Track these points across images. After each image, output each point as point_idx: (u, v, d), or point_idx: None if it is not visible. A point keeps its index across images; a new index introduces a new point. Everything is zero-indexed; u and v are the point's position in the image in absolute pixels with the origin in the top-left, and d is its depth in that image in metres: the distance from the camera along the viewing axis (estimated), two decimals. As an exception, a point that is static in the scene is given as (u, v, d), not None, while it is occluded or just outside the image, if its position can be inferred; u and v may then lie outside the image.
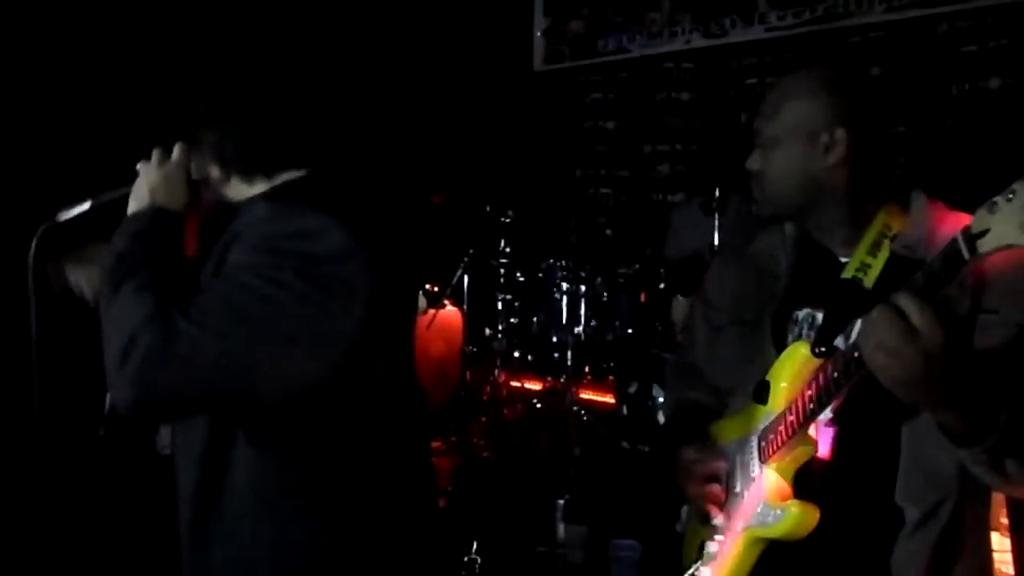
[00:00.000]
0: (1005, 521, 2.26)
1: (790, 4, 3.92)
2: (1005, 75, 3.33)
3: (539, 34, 4.84)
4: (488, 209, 4.02)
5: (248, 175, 1.13)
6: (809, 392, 1.16)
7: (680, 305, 3.48)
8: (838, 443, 1.22)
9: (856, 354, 1.05)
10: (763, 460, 1.25)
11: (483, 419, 3.95)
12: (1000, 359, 1.09)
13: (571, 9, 4.71)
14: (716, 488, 1.32)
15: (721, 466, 1.32)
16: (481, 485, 3.41)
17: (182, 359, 0.95)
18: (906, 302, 0.97)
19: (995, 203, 0.93)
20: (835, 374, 1.11)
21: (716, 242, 3.37)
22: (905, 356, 0.97)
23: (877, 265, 1.25)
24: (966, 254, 0.96)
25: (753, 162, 1.33)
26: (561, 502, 2.88)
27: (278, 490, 1.06)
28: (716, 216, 3.35)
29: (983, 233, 0.94)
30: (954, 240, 0.97)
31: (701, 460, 1.34)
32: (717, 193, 3.35)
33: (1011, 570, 2.28)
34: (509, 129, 4.69)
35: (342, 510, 1.08)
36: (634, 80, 4.51)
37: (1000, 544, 2.28)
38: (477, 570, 2.67)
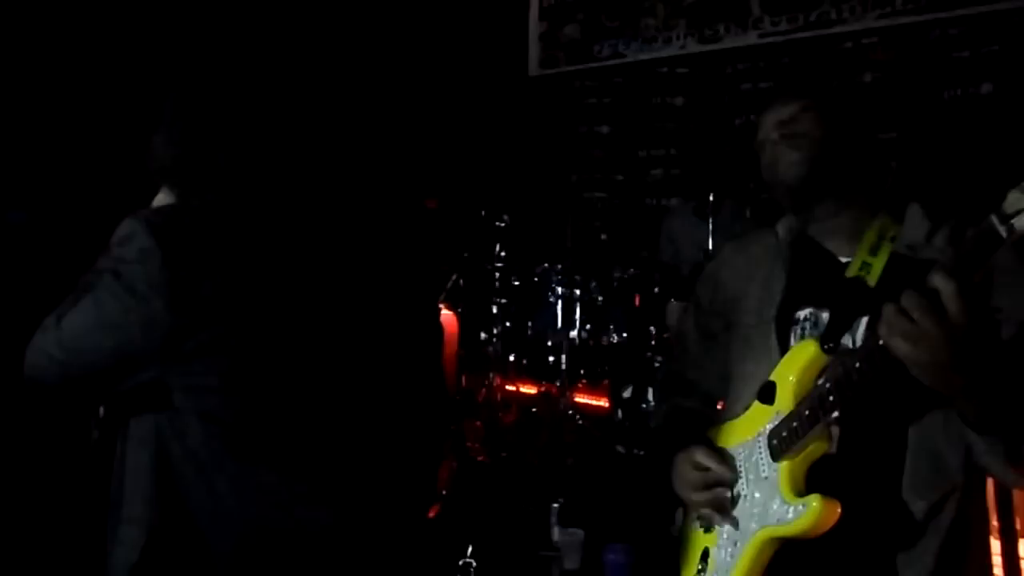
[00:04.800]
0: (996, 524, 2.28)
1: (784, 10, 3.94)
2: (996, 81, 3.35)
3: (534, 39, 4.85)
4: (483, 213, 4.02)
5: (162, 183, 1.33)
6: (826, 387, 1.16)
7: (675, 309, 3.48)
8: (844, 438, 1.23)
9: (881, 342, 1.03)
10: (776, 459, 1.24)
11: (478, 423, 3.94)
12: (1008, 355, 1.09)
13: (566, 14, 4.72)
14: (722, 493, 1.31)
15: (726, 471, 1.31)
16: (476, 489, 3.40)
17: (34, 346, 1.20)
18: (940, 280, 0.96)
19: None
20: (857, 364, 1.10)
21: (711, 246, 3.37)
22: (933, 341, 0.96)
23: (879, 265, 1.25)
24: (1003, 232, 0.94)
25: (768, 155, 1.32)
26: (556, 506, 2.87)
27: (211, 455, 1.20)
28: (710, 220, 3.36)
29: (1018, 212, 0.93)
30: (988, 219, 0.95)
31: (704, 466, 1.33)
32: (711, 197, 3.36)
33: (1002, 572, 2.31)
34: (504, 133, 4.70)
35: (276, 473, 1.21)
36: (629, 85, 4.52)
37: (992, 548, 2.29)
38: (472, 574, 2.65)
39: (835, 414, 1.18)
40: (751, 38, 4.07)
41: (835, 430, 1.22)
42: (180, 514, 1.20)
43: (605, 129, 4.63)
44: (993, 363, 0.99)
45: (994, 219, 0.94)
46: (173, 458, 1.20)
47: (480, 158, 4.56)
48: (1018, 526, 2.51)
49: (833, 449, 1.23)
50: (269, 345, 1.20)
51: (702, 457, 1.33)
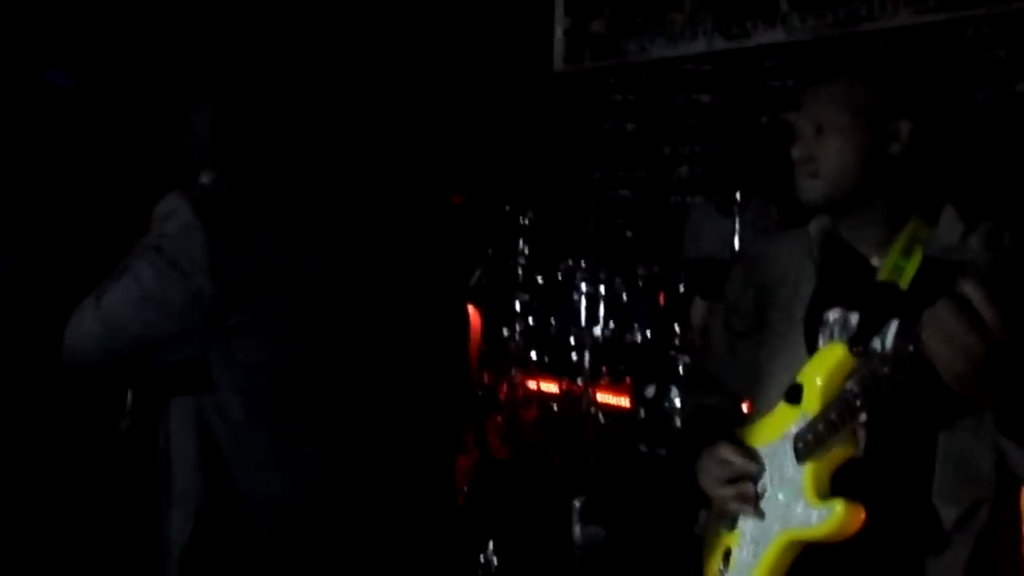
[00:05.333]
0: None
1: (813, 7, 3.90)
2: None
3: (560, 34, 4.84)
4: (507, 209, 4.02)
5: (201, 166, 1.35)
6: (853, 390, 1.15)
7: (699, 307, 3.46)
8: (871, 442, 1.21)
9: (912, 348, 1.02)
10: (801, 461, 1.23)
11: (499, 419, 3.95)
12: None
13: (592, 10, 4.70)
14: (748, 488, 1.30)
15: (753, 466, 1.30)
16: (497, 485, 3.40)
17: (73, 328, 1.19)
18: (973, 290, 0.94)
19: None
20: (886, 370, 1.08)
21: (736, 245, 3.35)
22: (970, 349, 0.94)
23: (911, 268, 1.24)
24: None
25: (803, 146, 1.30)
26: (577, 504, 2.87)
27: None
28: (736, 218, 3.33)
29: None
30: (972, 249, 0.95)
31: (731, 461, 1.32)
32: (737, 196, 3.34)
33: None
34: (529, 129, 4.69)
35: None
36: (654, 82, 4.50)
37: None
38: (493, 570, 2.66)
39: (862, 418, 1.17)
40: (779, 35, 4.03)
41: (862, 433, 1.21)
42: (228, 492, 1.21)
43: (630, 126, 4.61)
44: (1014, 373, 0.98)
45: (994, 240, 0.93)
46: (217, 435, 1.21)
47: (505, 154, 4.56)
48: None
49: (860, 453, 1.22)
50: (307, 321, 1.21)
51: (727, 452, 1.33)
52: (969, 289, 0.94)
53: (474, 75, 4.58)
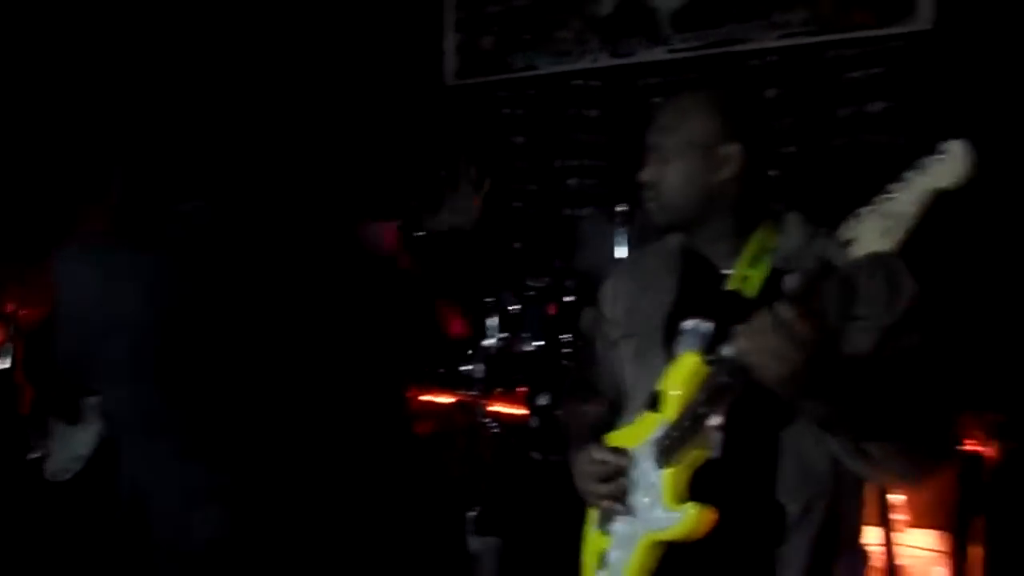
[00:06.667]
0: (879, 518, 2.46)
1: (692, 27, 4.08)
2: (887, 100, 3.55)
3: (450, 49, 4.88)
4: (400, 223, 4.01)
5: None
6: (703, 397, 1.23)
7: (588, 316, 3.55)
8: (727, 445, 1.29)
9: (739, 357, 1.12)
10: (660, 466, 1.30)
11: (395, 433, 3.93)
12: (869, 359, 1.18)
13: (482, 26, 4.77)
14: (621, 484, 1.36)
15: (625, 462, 1.36)
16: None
17: None
18: (783, 309, 1.05)
19: (860, 213, 1.03)
20: (722, 379, 1.18)
21: (624, 255, 3.45)
22: (782, 356, 1.05)
23: (758, 276, 1.33)
24: (837, 261, 1.04)
25: (648, 174, 1.39)
26: (472, 514, 2.89)
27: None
28: (623, 230, 3.45)
29: (851, 242, 1.02)
30: (811, 257, 1.06)
31: (603, 460, 1.38)
32: (624, 207, 3.45)
33: (883, 561, 2.49)
34: (420, 142, 4.70)
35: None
36: (544, 96, 4.60)
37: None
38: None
39: (713, 422, 1.25)
40: (661, 53, 4.20)
41: (716, 437, 1.29)
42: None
43: (520, 140, 4.69)
44: (837, 373, 1.09)
45: (830, 247, 1.04)
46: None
47: (395, 167, 4.56)
48: (902, 518, 2.68)
49: (716, 455, 1.29)
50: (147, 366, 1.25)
51: (600, 452, 1.39)
52: (781, 308, 1.05)
53: (364, 90, 4.56)
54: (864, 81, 3.61)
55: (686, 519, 1.24)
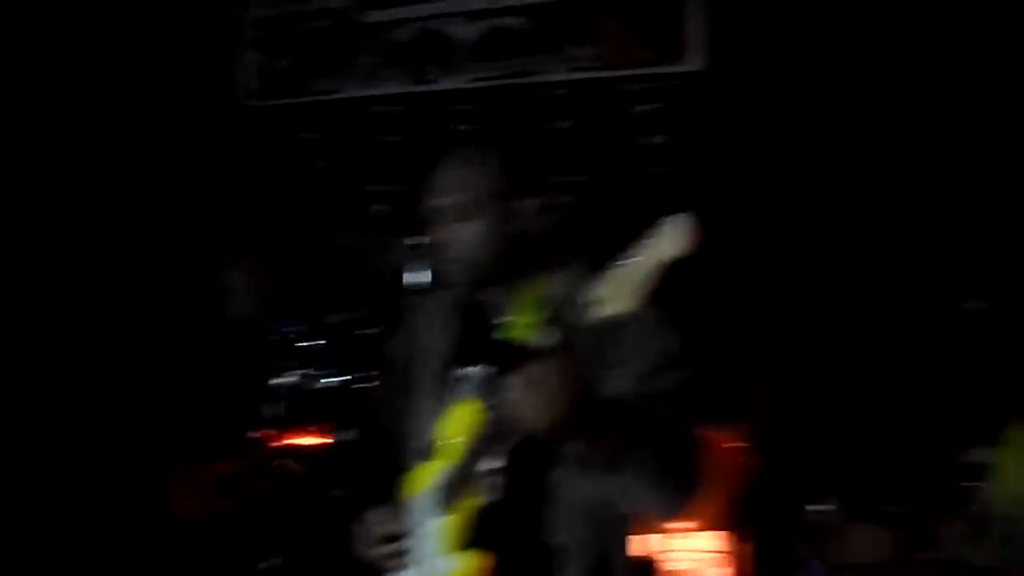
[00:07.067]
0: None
1: (487, 58, 4.18)
2: (667, 133, 3.81)
3: (247, 69, 4.69)
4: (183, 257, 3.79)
5: None
6: (478, 443, 1.24)
7: (383, 356, 3.51)
8: (505, 489, 1.31)
9: (506, 407, 1.15)
10: (440, 513, 1.30)
11: (190, 475, 3.68)
12: (626, 403, 1.24)
13: (280, 48, 4.64)
14: (397, 547, 1.35)
15: (398, 526, 1.35)
16: (185, 547, 3.19)
17: None
18: (535, 367, 1.10)
19: (607, 273, 1.08)
20: (497, 426, 1.20)
21: (427, 284, 3.45)
22: (541, 406, 1.10)
23: (531, 325, 1.36)
24: (588, 319, 1.09)
25: (442, 235, 1.38)
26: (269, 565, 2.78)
27: None
28: (419, 262, 3.44)
29: (598, 301, 1.07)
30: (579, 307, 1.09)
31: (380, 523, 1.37)
32: (421, 239, 3.44)
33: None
34: (217, 165, 4.48)
35: None
36: (345, 121, 4.53)
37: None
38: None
39: (489, 467, 1.26)
40: (461, 82, 4.27)
41: (495, 481, 1.30)
42: None
43: (320, 164, 4.58)
44: (594, 417, 1.14)
45: (582, 305, 1.10)
46: None
47: (193, 191, 4.32)
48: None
49: (496, 499, 1.31)
50: None
51: (376, 516, 1.39)
52: (536, 364, 1.10)
53: (160, 110, 4.30)
54: (648, 115, 3.85)
55: (463, 567, 1.25)
